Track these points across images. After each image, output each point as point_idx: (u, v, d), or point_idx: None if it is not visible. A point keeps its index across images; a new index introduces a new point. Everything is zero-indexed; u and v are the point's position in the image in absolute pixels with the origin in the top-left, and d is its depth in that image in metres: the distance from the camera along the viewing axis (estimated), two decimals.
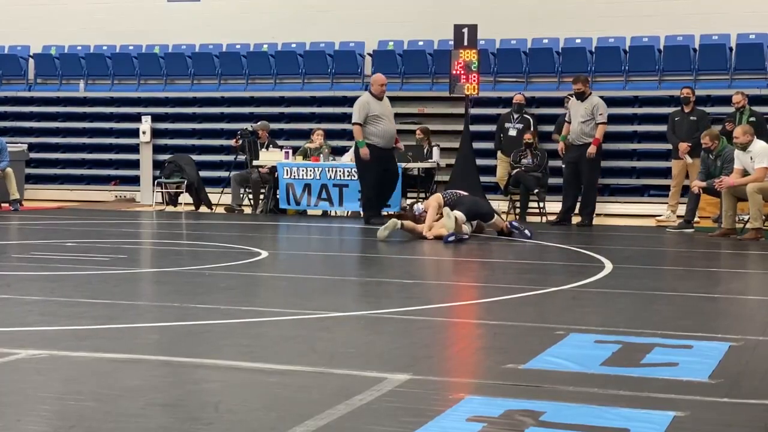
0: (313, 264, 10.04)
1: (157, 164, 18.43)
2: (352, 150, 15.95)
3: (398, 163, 14.51)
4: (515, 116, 16.43)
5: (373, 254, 10.83)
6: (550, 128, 17.34)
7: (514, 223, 12.19)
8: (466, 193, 12.28)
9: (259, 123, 16.86)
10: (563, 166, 14.64)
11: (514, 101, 16.56)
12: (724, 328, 6.09)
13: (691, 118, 14.75)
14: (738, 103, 14.53)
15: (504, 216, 15.27)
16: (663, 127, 15.78)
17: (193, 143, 19.15)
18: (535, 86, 18.05)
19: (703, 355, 5.14)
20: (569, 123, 14.28)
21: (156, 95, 19.86)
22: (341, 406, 4.01)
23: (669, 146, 15.45)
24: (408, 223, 11.78)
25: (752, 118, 14.29)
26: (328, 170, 15.27)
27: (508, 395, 4.25)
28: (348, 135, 18.15)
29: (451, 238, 11.29)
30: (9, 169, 16.40)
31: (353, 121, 14.01)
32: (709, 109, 15.91)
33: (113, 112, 19.94)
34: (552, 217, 14.75)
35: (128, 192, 19.17)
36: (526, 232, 11.76)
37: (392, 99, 18.43)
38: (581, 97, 14.13)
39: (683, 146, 14.58)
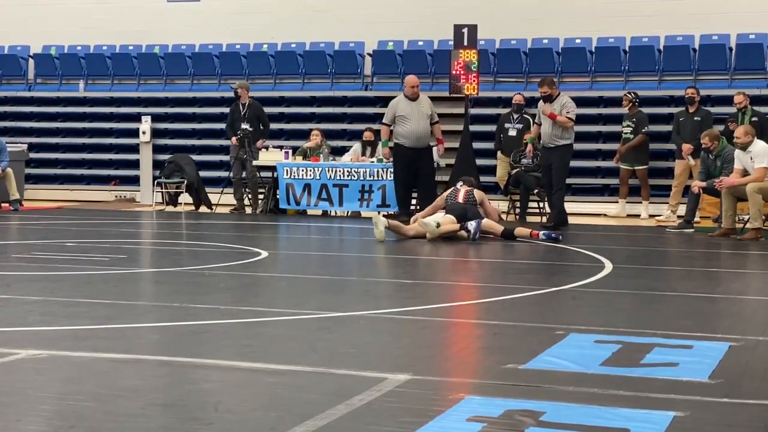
0: (313, 264, 10.04)
1: (157, 164, 18.43)
2: (352, 150, 16.03)
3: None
4: (515, 116, 16.43)
5: (372, 254, 10.83)
6: None
7: (553, 235, 11.66)
8: (462, 202, 12.10)
9: (238, 83, 16.82)
10: (540, 173, 14.49)
11: (513, 101, 16.55)
12: (724, 328, 6.09)
13: (695, 118, 14.75)
14: (740, 104, 14.53)
15: (504, 216, 15.28)
16: (663, 127, 15.80)
17: (193, 143, 19.15)
18: (535, 86, 17.98)
19: (703, 355, 5.14)
20: (539, 125, 13.92)
21: (156, 95, 19.86)
22: (341, 406, 4.01)
23: (669, 146, 15.45)
24: (393, 222, 11.79)
25: (754, 118, 14.30)
26: (328, 170, 15.27)
27: (508, 395, 4.25)
28: (348, 135, 18.19)
29: (477, 236, 11.45)
30: (9, 169, 16.40)
31: (382, 121, 14.55)
32: (708, 110, 15.91)
33: (113, 112, 19.94)
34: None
35: (128, 192, 19.17)
36: (560, 237, 11.60)
37: (391, 99, 18.53)
38: (549, 99, 13.57)
39: (686, 147, 14.58)
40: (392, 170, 14.66)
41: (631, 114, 15.71)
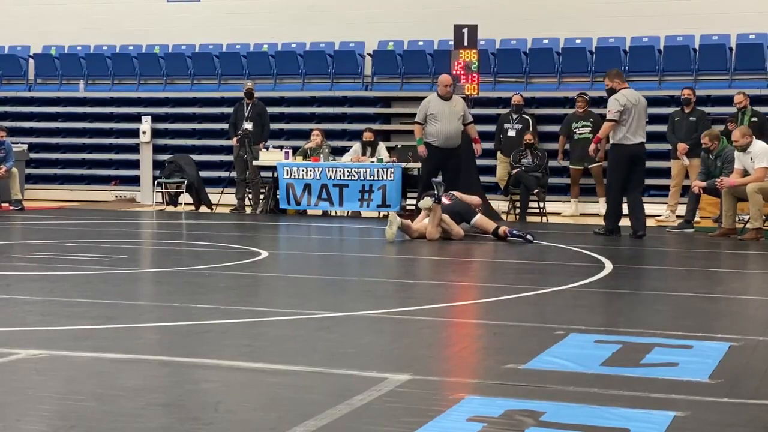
0: (313, 264, 10.04)
1: (157, 164, 18.44)
2: (352, 150, 16.02)
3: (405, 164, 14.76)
4: (514, 117, 16.45)
5: (372, 254, 10.83)
6: (550, 128, 17.36)
7: (515, 231, 11.65)
8: (448, 202, 12.10)
9: (251, 82, 16.79)
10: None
11: (512, 102, 16.57)
12: (724, 328, 6.09)
13: (691, 118, 14.74)
14: (740, 104, 14.52)
15: (504, 216, 15.29)
16: (663, 127, 15.78)
17: (193, 143, 19.16)
18: (535, 86, 18.05)
19: (703, 355, 5.13)
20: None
21: (156, 95, 19.86)
22: (341, 406, 4.01)
23: (669, 146, 15.46)
24: (405, 222, 11.78)
25: (754, 118, 14.29)
26: (328, 170, 15.26)
27: (508, 395, 4.24)
28: (348, 135, 18.20)
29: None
30: (15, 169, 16.43)
31: (415, 120, 14.31)
32: (709, 110, 15.92)
33: (113, 112, 19.94)
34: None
35: (128, 192, 19.17)
36: (528, 237, 11.54)
37: (392, 99, 18.56)
38: (611, 93, 12.29)
39: (681, 147, 14.59)
40: (392, 170, 14.72)
41: (585, 115, 15.88)
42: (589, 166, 15.89)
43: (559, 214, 16.19)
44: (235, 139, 16.21)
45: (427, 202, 11.67)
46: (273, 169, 15.69)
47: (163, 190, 16.96)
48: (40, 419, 3.86)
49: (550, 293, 7.56)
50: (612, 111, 12.13)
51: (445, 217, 11.67)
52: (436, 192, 11.63)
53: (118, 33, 20.32)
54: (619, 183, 12.29)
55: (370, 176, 15.01)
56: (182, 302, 6.84)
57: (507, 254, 10.73)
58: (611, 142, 12.31)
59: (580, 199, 16.46)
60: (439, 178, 12.28)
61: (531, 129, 16.20)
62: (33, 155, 19.19)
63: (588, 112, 16.06)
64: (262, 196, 16.16)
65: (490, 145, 16.80)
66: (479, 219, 12.03)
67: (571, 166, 16.20)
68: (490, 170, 16.59)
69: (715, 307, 7.18)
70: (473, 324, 6.38)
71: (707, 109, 15.86)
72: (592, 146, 12.89)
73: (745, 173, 12.35)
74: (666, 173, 15.86)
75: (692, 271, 9.50)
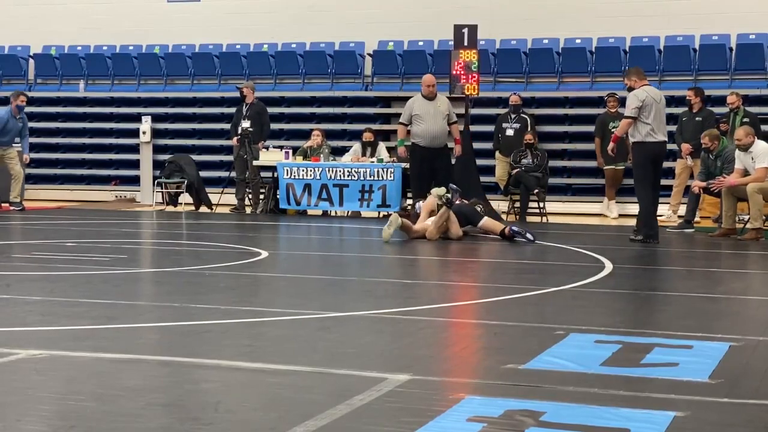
0: (313, 264, 10.04)
1: (157, 164, 18.44)
2: (352, 150, 16.03)
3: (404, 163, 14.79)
4: (512, 117, 16.44)
5: (373, 254, 10.83)
6: (550, 128, 17.37)
7: (515, 228, 11.67)
8: (459, 202, 12.17)
9: (244, 83, 16.77)
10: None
11: (510, 102, 16.57)
12: (724, 328, 6.09)
13: (697, 118, 14.68)
14: (732, 104, 14.50)
15: (504, 216, 15.29)
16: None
17: (193, 143, 19.16)
18: (535, 86, 18.06)
19: (703, 355, 5.14)
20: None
21: (156, 95, 19.86)
22: (341, 406, 4.01)
23: (670, 146, 15.45)
24: (406, 222, 11.77)
25: (746, 119, 14.26)
26: (328, 170, 15.26)
27: (508, 395, 4.24)
28: (348, 135, 18.20)
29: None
30: (20, 170, 16.31)
31: (399, 120, 14.60)
32: (711, 110, 15.91)
33: (113, 112, 19.94)
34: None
35: (128, 192, 19.17)
36: (529, 235, 11.54)
37: (392, 99, 18.55)
38: (631, 91, 11.84)
39: (685, 147, 14.58)
40: (392, 170, 14.79)
41: (618, 115, 15.81)
42: (605, 168, 15.84)
43: (558, 214, 16.18)
44: (235, 139, 16.20)
45: (440, 189, 11.72)
46: (273, 169, 15.69)
47: (163, 190, 16.96)
48: (40, 419, 3.86)
49: (550, 293, 7.56)
50: (630, 107, 11.63)
51: (451, 215, 11.67)
52: (450, 196, 11.66)
53: (118, 33, 20.32)
54: (648, 183, 11.70)
55: (370, 176, 15.02)
56: (182, 302, 6.84)
57: (507, 254, 10.72)
58: (634, 140, 11.73)
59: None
60: (454, 187, 12.20)
61: (529, 129, 16.19)
62: (33, 155, 19.13)
63: (619, 112, 15.86)
64: (262, 196, 16.16)
65: (490, 145, 16.82)
66: (486, 222, 12.08)
67: (606, 167, 15.95)
68: (490, 170, 16.59)
69: (715, 307, 7.18)
70: (473, 324, 6.38)
71: (710, 110, 15.86)
72: (611, 145, 12.39)
73: (746, 173, 12.34)
74: (666, 173, 15.83)
75: (692, 271, 9.50)
